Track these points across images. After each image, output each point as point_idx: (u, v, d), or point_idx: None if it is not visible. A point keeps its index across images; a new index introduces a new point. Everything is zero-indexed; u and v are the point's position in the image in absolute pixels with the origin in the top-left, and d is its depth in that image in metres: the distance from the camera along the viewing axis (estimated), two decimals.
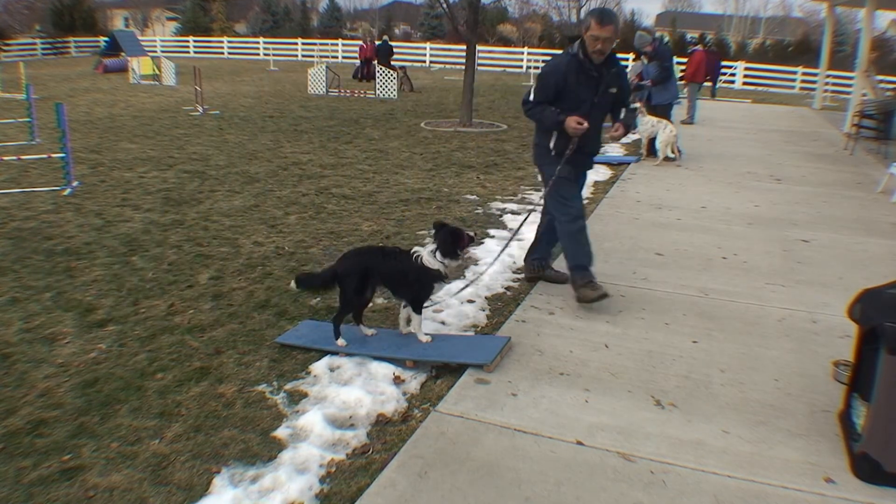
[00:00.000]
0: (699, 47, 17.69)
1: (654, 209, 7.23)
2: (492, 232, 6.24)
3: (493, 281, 4.98)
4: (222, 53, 37.61)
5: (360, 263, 3.82)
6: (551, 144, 4.53)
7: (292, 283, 3.94)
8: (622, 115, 4.62)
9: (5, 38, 33.65)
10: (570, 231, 4.56)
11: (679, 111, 12.74)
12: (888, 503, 2.69)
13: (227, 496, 2.63)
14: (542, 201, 4.95)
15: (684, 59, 15.98)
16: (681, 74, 14.39)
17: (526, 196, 7.76)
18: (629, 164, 9.84)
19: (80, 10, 38.72)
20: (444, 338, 3.97)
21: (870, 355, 2.91)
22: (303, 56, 35.20)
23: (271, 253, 5.59)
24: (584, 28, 4.30)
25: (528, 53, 32.96)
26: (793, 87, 28.20)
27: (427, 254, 3.79)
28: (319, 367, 3.65)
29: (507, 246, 5.20)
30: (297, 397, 3.39)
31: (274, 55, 32.69)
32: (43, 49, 34.73)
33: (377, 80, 19.37)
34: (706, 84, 19.18)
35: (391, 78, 19.25)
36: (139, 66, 21.78)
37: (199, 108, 14.56)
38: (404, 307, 3.96)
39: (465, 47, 14.48)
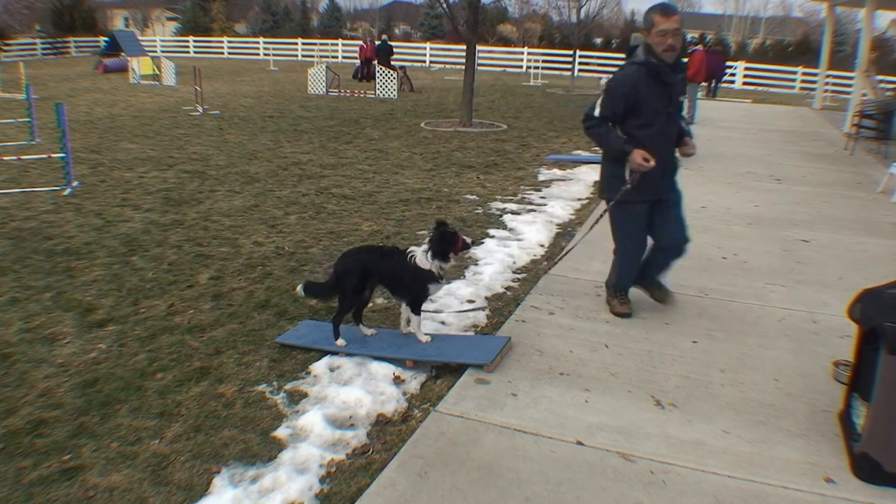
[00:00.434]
0: (699, 47, 17.69)
1: None
2: (492, 232, 6.24)
3: (493, 281, 4.98)
4: (222, 53, 37.60)
5: (358, 262, 3.82)
6: (627, 175, 4.05)
7: (299, 289, 3.93)
8: (685, 126, 4.20)
9: (5, 38, 33.64)
10: (630, 257, 4.34)
11: None
12: (888, 503, 2.69)
13: (227, 496, 2.63)
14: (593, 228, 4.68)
15: (684, 60, 15.96)
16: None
17: (526, 196, 7.75)
18: None
19: (80, 10, 38.71)
20: (444, 338, 3.97)
21: (870, 355, 2.91)
22: (303, 56, 35.20)
23: (271, 253, 5.59)
24: (646, 29, 3.93)
25: (528, 53, 32.96)
26: (793, 87, 28.21)
27: (421, 254, 3.77)
28: (319, 367, 3.65)
29: (565, 253, 5.04)
30: (297, 397, 3.39)
31: (274, 55, 32.68)
32: (43, 49, 34.72)
33: (377, 80, 19.37)
34: (704, 84, 19.16)
35: (391, 78, 19.25)
36: (139, 66, 21.78)
37: (199, 108, 14.56)
38: (404, 307, 3.96)
39: (465, 47, 14.48)
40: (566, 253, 5.14)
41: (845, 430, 3.08)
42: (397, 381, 3.56)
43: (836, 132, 14.25)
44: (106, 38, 30.02)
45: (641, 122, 3.92)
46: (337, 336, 3.82)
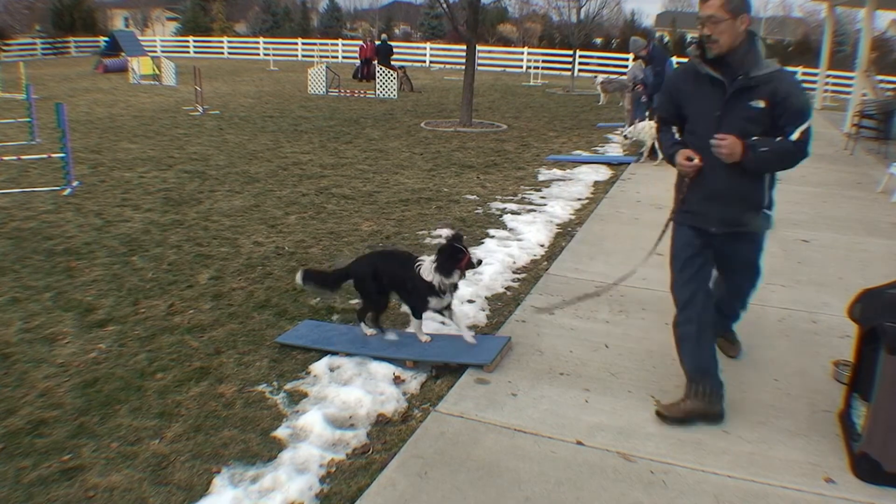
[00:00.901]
0: None
1: (654, 209, 7.22)
2: (492, 232, 6.23)
3: (493, 281, 4.98)
4: (222, 53, 37.59)
5: (371, 264, 3.89)
6: (682, 186, 3.30)
7: (298, 277, 3.95)
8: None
9: (5, 38, 33.62)
10: (676, 288, 3.33)
11: None
12: (888, 503, 2.69)
13: (227, 496, 2.63)
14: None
15: (685, 60, 15.96)
16: None
17: (526, 196, 7.75)
18: (629, 164, 9.84)
19: (80, 10, 38.69)
20: (444, 338, 3.97)
21: (870, 355, 2.91)
22: (303, 56, 35.19)
23: (271, 253, 5.59)
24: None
25: (528, 53, 32.95)
26: None
27: (427, 265, 3.75)
28: (319, 367, 3.66)
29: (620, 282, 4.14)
30: (297, 397, 3.39)
31: (274, 55, 32.69)
32: (43, 49, 34.71)
33: (377, 80, 19.37)
34: None
35: (391, 78, 19.25)
36: (139, 66, 21.77)
37: (199, 108, 14.56)
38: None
39: (465, 47, 14.47)
40: (629, 274, 4.13)
41: (845, 430, 3.08)
42: (397, 381, 3.56)
43: (836, 132, 14.24)
44: (106, 38, 30.01)
45: (690, 127, 3.30)
46: (365, 327, 3.94)
